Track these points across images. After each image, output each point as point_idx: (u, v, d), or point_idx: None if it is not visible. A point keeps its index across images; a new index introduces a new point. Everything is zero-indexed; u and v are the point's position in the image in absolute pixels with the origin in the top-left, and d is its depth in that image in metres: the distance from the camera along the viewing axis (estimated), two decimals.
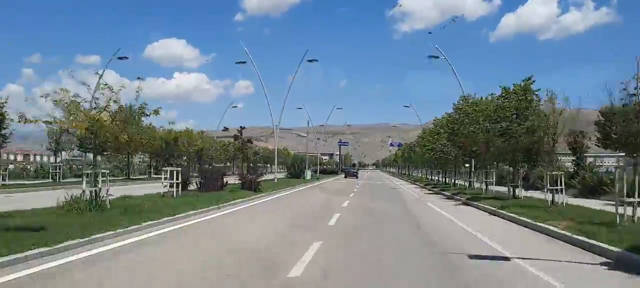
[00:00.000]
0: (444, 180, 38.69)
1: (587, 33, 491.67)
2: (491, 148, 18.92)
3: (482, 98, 21.75)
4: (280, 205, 17.06)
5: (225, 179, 21.49)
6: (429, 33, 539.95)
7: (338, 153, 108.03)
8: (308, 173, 45.43)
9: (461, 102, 24.03)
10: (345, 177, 62.20)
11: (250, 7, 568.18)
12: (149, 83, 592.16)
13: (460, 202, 19.03)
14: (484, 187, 21.88)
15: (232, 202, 15.77)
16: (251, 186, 21.74)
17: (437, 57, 29.50)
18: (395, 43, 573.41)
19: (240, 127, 47.53)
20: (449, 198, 22.40)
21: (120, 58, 30.39)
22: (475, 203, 17.02)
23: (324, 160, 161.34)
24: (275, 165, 38.05)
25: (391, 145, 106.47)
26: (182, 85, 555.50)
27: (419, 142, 46.03)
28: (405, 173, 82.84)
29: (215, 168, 23.52)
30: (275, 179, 34.65)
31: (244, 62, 33.26)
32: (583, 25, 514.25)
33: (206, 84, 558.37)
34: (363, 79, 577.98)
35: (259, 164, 26.49)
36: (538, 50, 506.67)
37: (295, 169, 46.18)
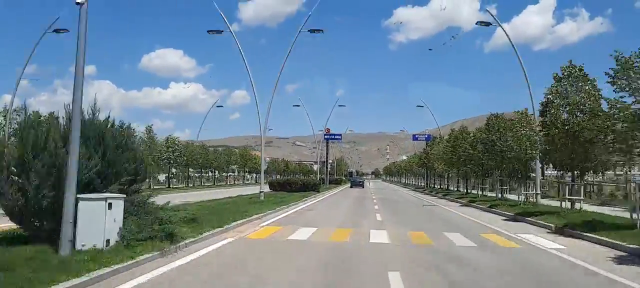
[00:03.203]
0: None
1: (582, 43, 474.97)
2: None
3: None
4: None
5: None
6: (430, 50, 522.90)
7: (326, 159, 68.29)
8: None
9: None
10: (351, 186, 59.51)
11: (247, 17, 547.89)
12: (146, 93, 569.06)
13: None
14: None
15: None
16: None
17: None
18: (392, 53, 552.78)
19: None
20: None
21: None
22: None
23: (314, 169, 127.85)
24: None
25: (415, 138, 68.14)
26: (178, 95, 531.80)
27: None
28: (442, 188, 49.00)
29: None
30: None
31: (220, 31, 25.16)
32: (578, 36, 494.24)
33: (202, 94, 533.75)
34: (360, 88, 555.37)
35: None
36: (532, 61, 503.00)
37: None
